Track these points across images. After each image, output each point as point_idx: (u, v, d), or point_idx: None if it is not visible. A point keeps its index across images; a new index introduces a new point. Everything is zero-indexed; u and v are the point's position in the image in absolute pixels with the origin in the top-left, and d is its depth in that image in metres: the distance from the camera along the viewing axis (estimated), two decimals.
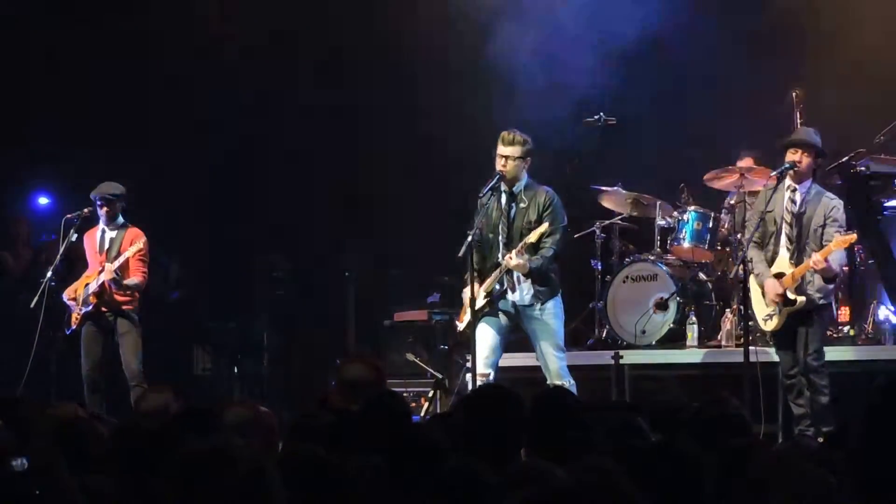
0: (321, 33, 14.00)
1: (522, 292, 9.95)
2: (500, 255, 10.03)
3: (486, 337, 10.04)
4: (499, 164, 9.94)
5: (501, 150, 9.96)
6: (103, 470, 4.78)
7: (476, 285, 9.95)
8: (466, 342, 10.27)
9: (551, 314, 9.97)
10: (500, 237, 10.03)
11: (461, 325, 10.19)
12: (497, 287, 9.99)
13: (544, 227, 9.79)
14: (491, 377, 9.91)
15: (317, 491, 3.99)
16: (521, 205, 9.98)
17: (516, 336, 10.23)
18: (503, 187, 10.03)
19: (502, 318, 10.06)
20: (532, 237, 9.78)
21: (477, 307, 9.98)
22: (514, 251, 9.78)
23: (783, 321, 9.82)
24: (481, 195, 10.06)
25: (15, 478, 3.07)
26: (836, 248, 9.60)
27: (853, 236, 9.75)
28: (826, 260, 9.55)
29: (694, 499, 4.01)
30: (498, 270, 9.96)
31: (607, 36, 12.73)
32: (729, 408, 5.33)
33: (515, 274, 9.93)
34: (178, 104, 13.84)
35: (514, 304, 10.00)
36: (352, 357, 8.50)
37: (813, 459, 3.95)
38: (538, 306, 9.94)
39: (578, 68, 12.72)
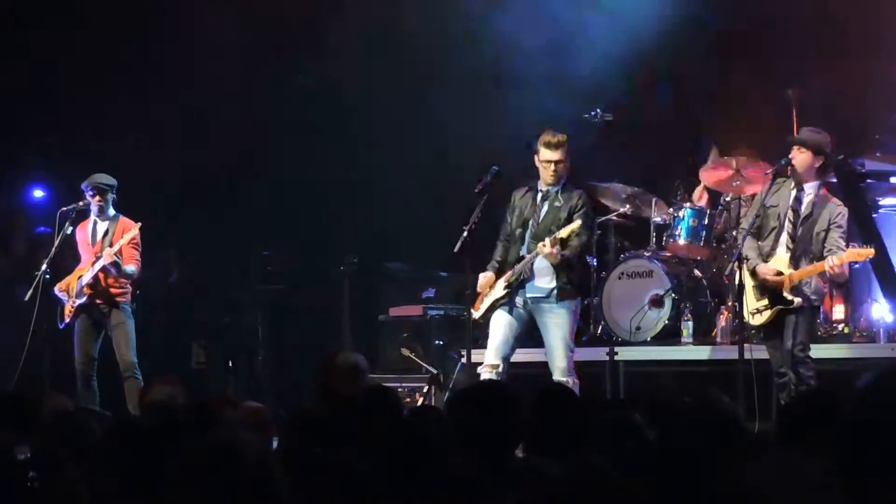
0: (322, 26, 14.00)
1: (543, 283, 9.92)
2: (523, 249, 10.03)
3: (500, 328, 10.03)
4: (548, 171, 9.92)
5: (549, 155, 9.91)
6: (97, 464, 4.79)
7: (491, 275, 9.99)
8: (481, 330, 10.28)
9: (567, 310, 9.94)
10: (528, 232, 10.04)
11: (476, 314, 10.17)
12: (517, 279, 9.98)
13: (576, 224, 9.77)
14: (500, 368, 9.90)
15: (313, 487, 4.00)
16: (557, 203, 9.96)
17: (528, 332, 10.21)
18: (539, 186, 10.03)
19: (520, 310, 10.04)
20: (563, 233, 9.75)
21: (495, 297, 10.00)
22: (547, 240, 9.75)
23: (773, 316, 9.84)
24: (477, 189, 10.07)
25: (17, 467, 3.09)
26: (849, 259, 9.60)
27: (871, 251, 9.71)
28: (841, 265, 9.58)
29: (689, 495, 4.02)
30: (522, 262, 9.95)
31: (605, 33, 12.75)
32: (722, 405, 5.33)
33: (538, 266, 9.92)
34: (175, 98, 13.83)
35: (528, 294, 10.00)
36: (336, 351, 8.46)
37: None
38: (556, 302, 9.93)
39: (575, 65, 12.74)
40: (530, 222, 10.03)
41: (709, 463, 4.13)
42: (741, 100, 12.66)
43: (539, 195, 10.04)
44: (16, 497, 3.13)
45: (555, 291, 9.91)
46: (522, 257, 9.99)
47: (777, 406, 10.06)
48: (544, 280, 9.95)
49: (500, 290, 10.03)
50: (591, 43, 12.82)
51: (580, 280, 10.16)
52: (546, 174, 9.95)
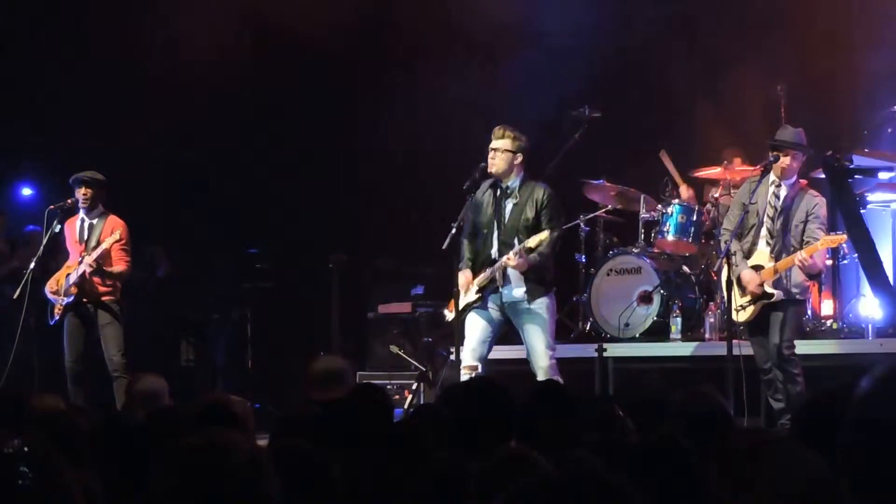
0: (310, 30, 14.00)
1: (515, 288, 9.93)
2: (493, 251, 10.02)
3: (475, 329, 10.02)
4: (488, 158, 9.96)
5: (492, 143, 9.98)
6: (86, 462, 4.79)
7: (468, 276, 9.99)
8: (452, 334, 10.27)
9: (543, 310, 9.92)
10: (494, 233, 10.03)
11: (450, 316, 10.17)
12: (489, 283, 9.97)
13: (545, 234, 9.75)
14: (479, 370, 9.89)
15: (305, 486, 3.99)
16: (515, 201, 9.97)
17: (507, 329, 10.20)
18: (500, 182, 10.04)
19: (494, 312, 10.02)
20: (531, 243, 9.73)
21: (468, 301, 9.99)
22: (513, 252, 9.75)
23: (756, 312, 9.86)
24: (465, 186, 10.07)
25: (7, 462, 3.08)
26: (822, 247, 9.65)
27: (842, 237, 9.77)
28: (812, 257, 9.60)
29: (678, 492, 4.02)
30: (493, 266, 9.94)
31: (594, 30, 12.77)
32: (712, 401, 5.34)
33: (511, 272, 9.92)
34: (164, 97, 13.82)
35: (504, 302, 9.99)
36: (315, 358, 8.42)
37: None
38: (530, 303, 9.93)
39: (564, 61, 12.75)
40: (495, 222, 10.03)
41: (698, 459, 4.13)
42: (729, 96, 12.69)
43: (499, 191, 10.06)
44: (5, 493, 3.12)
45: (525, 294, 9.91)
46: (494, 259, 9.98)
47: (766, 401, 10.08)
48: (518, 283, 9.94)
49: (472, 293, 10.02)
50: (580, 39, 12.84)
51: (548, 274, 10.06)
52: (489, 161, 10.00)
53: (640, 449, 4.16)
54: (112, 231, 11.45)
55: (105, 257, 11.39)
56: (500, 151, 9.94)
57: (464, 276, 10.06)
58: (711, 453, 3.39)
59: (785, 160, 9.85)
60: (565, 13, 12.82)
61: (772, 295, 9.75)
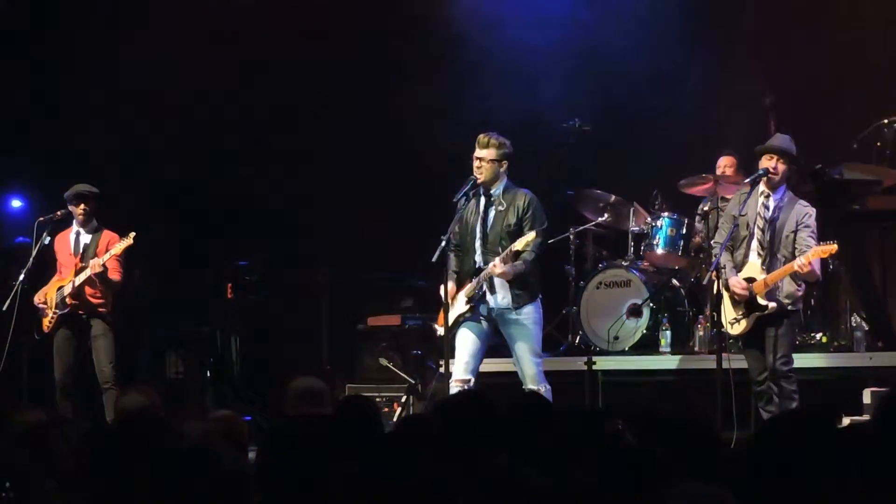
0: (292, 36, 13.99)
1: (500, 296, 9.91)
2: (477, 259, 10.01)
3: (466, 342, 9.99)
4: (474, 167, 9.94)
5: (477, 152, 9.94)
6: (72, 475, 4.77)
7: (452, 287, 9.96)
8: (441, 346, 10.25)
9: (529, 318, 9.92)
10: (478, 241, 10.02)
11: (441, 330, 10.13)
12: (477, 291, 9.95)
13: (531, 236, 9.75)
14: (471, 383, 9.87)
15: (293, 498, 3.98)
16: (500, 208, 9.94)
17: (495, 341, 10.19)
18: (481, 190, 10.02)
19: (483, 323, 10.00)
20: (518, 245, 9.72)
21: (458, 312, 9.96)
22: (499, 258, 9.74)
23: (751, 325, 9.83)
24: (456, 199, 10.05)
25: None
26: (814, 256, 9.59)
27: (833, 247, 9.73)
28: (810, 263, 9.57)
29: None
30: (480, 275, 9.92)
31: (584, 40, 12.78)
32: (698, 414, 5.33)
33: (494, 277, 9.90)
34: (152, 105, 13.81)
35: (492, 309, 9.97)
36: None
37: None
38: (516, 310, 9.92)
39: (553, 73, 12.76)
40: (478, 230, 10.02)
41: (684, 473, 4.13)
42: (718, 106, 12.71)
43: (482, 200, 10.05)
44: None
45: (511, 301, 9.89)
46: (479, 268, 9.97)
47: (756, 414, 10.06)
48: (503, 291, 9.93)
49: (462, 304, 9.99)
50: (570, 50, 12.86)
51: (533, 280, 10.03)
52: (475, 170, 9.98)
53: (625, 462, 4.15)
54: (108, 246, 11.44)
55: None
56: (486, 161, 9.92)
57: (449, 287, 10.04)
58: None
59: (780, 166, 9.79)
60: (556, 22, 12.85)
61: (765, 307, 9.73)
